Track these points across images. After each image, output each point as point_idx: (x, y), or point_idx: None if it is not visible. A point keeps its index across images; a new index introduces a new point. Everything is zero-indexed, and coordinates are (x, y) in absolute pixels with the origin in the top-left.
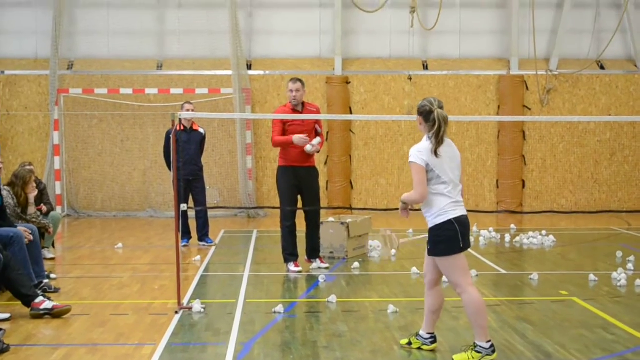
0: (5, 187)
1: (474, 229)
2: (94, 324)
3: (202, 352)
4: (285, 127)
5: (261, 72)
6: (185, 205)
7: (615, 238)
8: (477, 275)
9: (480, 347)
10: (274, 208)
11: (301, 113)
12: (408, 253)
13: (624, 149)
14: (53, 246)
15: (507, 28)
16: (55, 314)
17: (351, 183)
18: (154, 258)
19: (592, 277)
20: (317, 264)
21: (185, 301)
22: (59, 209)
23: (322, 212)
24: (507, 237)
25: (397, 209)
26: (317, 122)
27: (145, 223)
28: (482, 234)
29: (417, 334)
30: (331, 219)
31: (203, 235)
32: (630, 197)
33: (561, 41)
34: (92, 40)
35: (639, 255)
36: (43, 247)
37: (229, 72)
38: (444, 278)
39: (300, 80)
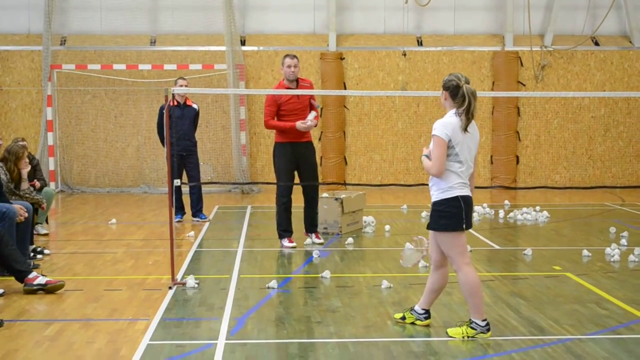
0: None
1: None
2: (88, 300)
3: (196, 327)
4: (280, 107)
5: (255, 48)
6: (178, 180)
7: (609, 214)
8: (471, 251)
9: (476, 323)
10: (268, 184)
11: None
12: (402, 229)
13: (618, 125)
14: (47, 222)
15: (502, 4)
16: (48, 289)
17: (345, 159)
18: (147, 234)
19: (585, 252)
20: (312, 239)
21: (179, 276)
22: (52, 185)
23: None
24: (501, 213)
25: (391, 185)
26: (312, 96)
27: (138, 199)
28: (476, 209)
29: (412, 309)
30: (325, 194)
31: (197, 211)
32: (624, 173)
33: (556, 17)
34: (85, 16)
35: (633, 231)
36: (37, 223)
37: (223, 48)
38: None
39: (296, 56)
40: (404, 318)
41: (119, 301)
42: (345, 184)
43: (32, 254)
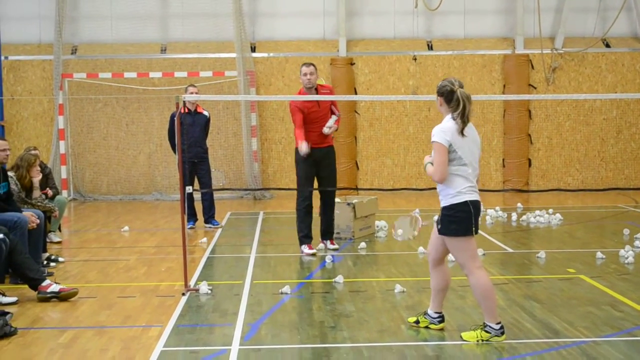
0: (10, 173)
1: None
2: (101, 307)
3: (210, 334)
4: (304, 116)
5: (265, 55)
6: (190, 187)
7: (622, 216)
8: (484, 254)
9: (490, 327)
10: (280, 189)
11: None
12: None
13: (630, 127)
14: (59, 230)
15: (512, 7)
16: (62, 297)
17: (357, 164)
18: (160, 241)
19: (599, 254)
20: (326, 245)
21: (192, 283)
22: (64, 193)
23: None
24: (514, 216)
25: (403, 189)
26: (333, 102)
27: (151, 206)
28: (489, 213)
29: (425, 313)
30: (337, 199)
31: (209, 217)
32: (637, 175)
33: (566, 19)
34: (95, 25)
35: None
36: (49, 231)
37: (233, 55)
38: (450, 257)
39: (313, 64)
40: (417, 322)
41: (132, 308)
42: (357, 188)
43: (45, 262)
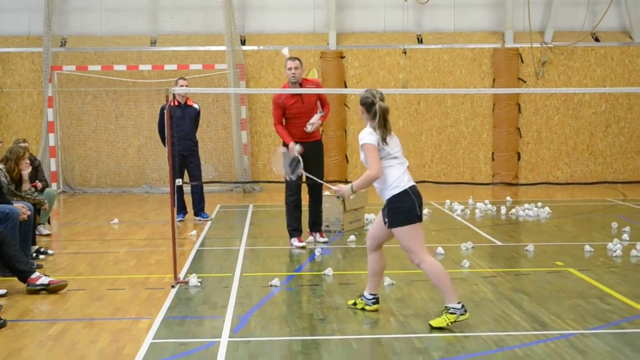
0: None
1: (469, 201)
2: (91, 299)
3: (199, 326)
4: (285, 111)
5: (255, 48)
6: (180, 180)
7: (610, 209)
8: (473, 247)
9: (453, 308)
10: (269, 182)
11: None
12: None
13: (619, 121)
14: (49, 222)
15: (502, 1)
16: (51, 289)
17: (347, 157)
18: (149, 233)
19: (587, 247)
20: (315, 238)
21: (181, 275)
22: (54, 186)
23: None
24: (503, 209)
25: None
26: (321, 97)
27: (140, 199)
28: (478, 206)
29: (362, 295)
30: (327, 192)
31: (199, 210)
32: (626, 169)
33: (556, 13)
34: (85, 17)
35: (634, 226)
36: (39, 224)
37: (223, 48)
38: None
39: (298, 59)
40: (355, 304)
41: (121, 300)
42: (347, 182)
43: (34, 255)
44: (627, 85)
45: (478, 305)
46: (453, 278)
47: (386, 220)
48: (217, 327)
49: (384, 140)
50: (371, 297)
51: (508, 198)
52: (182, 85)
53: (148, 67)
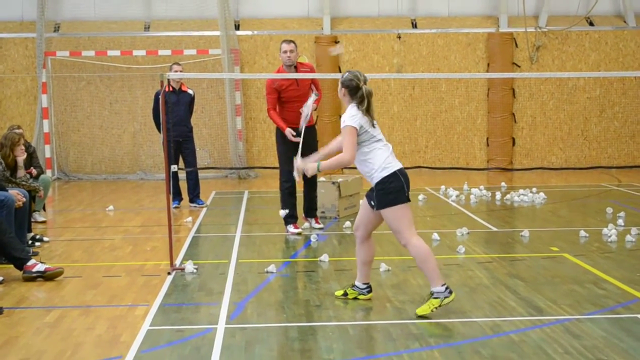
0: None
1: (464, 187)
2: (87, 286)
3: (195, 312)
4: (280, 95)
5: (249, 33)
6: (175, 166)
7: (605, 194)
8: (468, 233)
9: (437, 292)
10: (264, 168)
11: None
12: None
13: (613, 106)
14: (44, 209)
15: None
16: (47, 276)
17: None
18: (145, 220)
19: (582, 233)
20: (311, 224)
21: (177, 262)
22: (49, 172)
23: None
24: (498, 195)
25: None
26: (314, 82)
27: (135, 185)
28: (473, 191)
29: (353, 285)
30: (322, 178)
31: (194, 196)
32: (620, 154)
33: None
34: (78, 2)
35: (629, 211)
36: (34, 211)
37: (217, 33)
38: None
39: (294, 42)
40: (346, 294)
41: (118, 287)
42: (342, 167)
43: (30, 242)
44: (622, 69)
45: (474, 291)
46: (448, 264)
47: (374, 203)
48: (214, 313)
49: (372, 124)
50: (364, 286)
51: (503, 183)
52: (176, 71)
53: (142, 52)
